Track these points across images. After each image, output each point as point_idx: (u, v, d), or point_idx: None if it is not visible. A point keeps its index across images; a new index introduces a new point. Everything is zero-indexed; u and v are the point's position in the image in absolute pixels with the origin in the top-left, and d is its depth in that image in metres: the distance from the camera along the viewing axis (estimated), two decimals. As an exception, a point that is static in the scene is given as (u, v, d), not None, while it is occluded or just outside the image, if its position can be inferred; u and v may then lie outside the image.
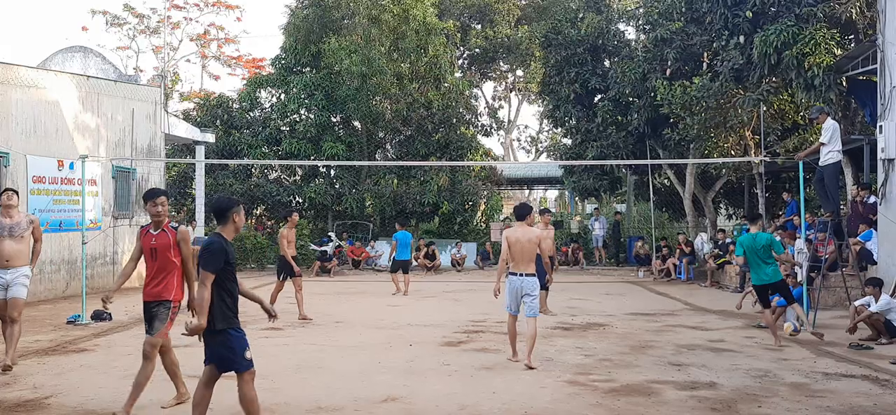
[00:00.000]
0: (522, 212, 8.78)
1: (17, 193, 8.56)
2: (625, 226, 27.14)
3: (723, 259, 18.56)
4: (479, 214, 28.66)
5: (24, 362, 8.45)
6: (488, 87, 40.48)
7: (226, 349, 5.34)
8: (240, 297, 5.63)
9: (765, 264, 9.83)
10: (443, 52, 26.67)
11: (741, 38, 17.85)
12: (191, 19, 39.87)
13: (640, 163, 22.43)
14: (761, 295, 10.09)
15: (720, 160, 19.19)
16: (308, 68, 27.50)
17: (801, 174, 12.52)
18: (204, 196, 23.29)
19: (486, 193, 27.70)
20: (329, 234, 24.74)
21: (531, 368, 8.09)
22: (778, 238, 12.36)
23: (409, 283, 16.28)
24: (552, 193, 45.78)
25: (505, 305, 8.67)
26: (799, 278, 11.89)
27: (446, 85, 26.94)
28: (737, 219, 25.09)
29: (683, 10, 19.59)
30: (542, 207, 15.70)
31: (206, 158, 23.25)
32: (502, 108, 40.61)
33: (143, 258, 6.57)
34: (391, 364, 8.40)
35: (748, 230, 10.43)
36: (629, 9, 24.67)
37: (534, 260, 8.44)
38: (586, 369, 8.20)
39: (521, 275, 8.37)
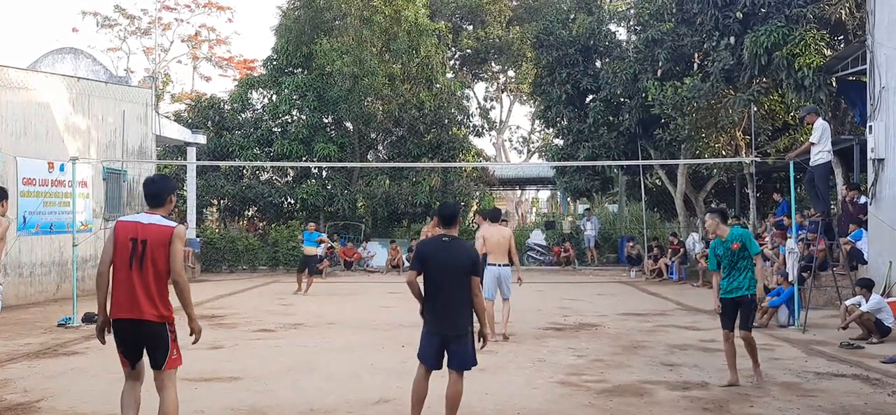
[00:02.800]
0: (495, 215, 10.79)
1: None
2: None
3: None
4: (470, 214, 28.68)
5: (14, 365, 8.41)
6: (480, 87, 40.52)
7: (472, 348, 5.71)
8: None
9: (736, 272, 7.45)
10: (434, 53, 26.65)
11: (732, 39, 17.92)
12: (182, 20, 39.79)
13: (632, 163, 22.49)
14: (729, 312, 7.53)
15: (711, 160, 19.25)
16: (300, 69, 27.46)
17: (792, 174, 12.58)
18: (195, 198, 23.21)
19: (478, 193, 27.72)
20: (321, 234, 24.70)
21: (507, 338, 9.95)
22: (765, 240, 12.19)
23: (312, 283, 16.95)
24: (544, 194, 45.85)
25: (484, 293, 9.81)
26: (790, 278, 11.94)
27: (438, 86, 26.93)
28: (728, 219, 25.17)
29: (674, 11, 19.66)
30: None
31: (197, 160, 23.17)
32: (494, 108, 40.65)
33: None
34: (384, 365, 8.39)
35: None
36: (620, 10, 24.73)
37: (506, 253, 10.13)
38: (578, 369, 8.21)
39: (499, 265, 10.09)
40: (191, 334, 5.14)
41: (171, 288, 4.98)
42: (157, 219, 5.01)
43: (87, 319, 11.65)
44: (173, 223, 5.03)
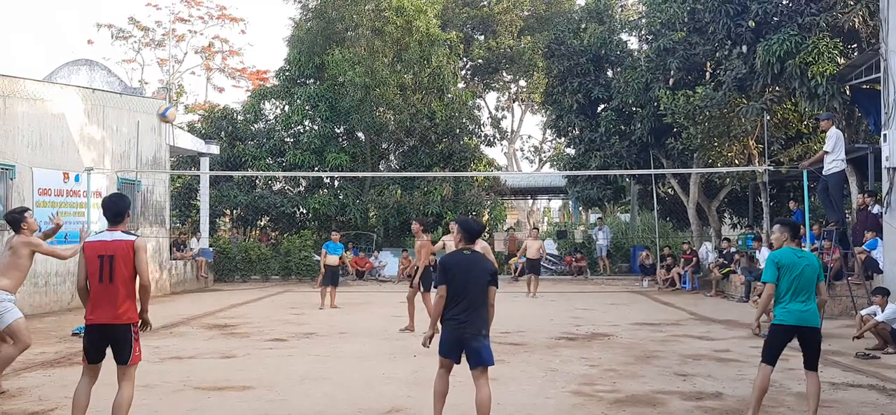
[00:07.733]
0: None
1: None
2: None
3: (727, 269, 18.52)
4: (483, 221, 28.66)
5: (29, 374, 8.47)
6: (491, 97, 40.59)
7: (489, 347, 6.06)
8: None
9: (807, 300, 6.33)
10: (446, 63, 26.75)
11: (744, 48, 17.85)
12: (195, 32, 40.08)
13: (644, 172, 22.42)
14: (782, 343, 6.42)
15: (724, 170, 19.16)
16: (312, 80, 27.62)
17: (806, 183, 12.50)
18: (208, 207, 23.35)
19: (489, 203, 27.71)
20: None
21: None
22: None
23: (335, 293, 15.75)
24: (556, 203, 45.74)
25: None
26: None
27: (449, 96, 27.03)
28: (741, 228, 25.06)
29: (686, 20, 19.62)
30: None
31: (210, 170, 23.31)
32: (505, 118, 40.72)
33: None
34: (395, 375, 8.39)
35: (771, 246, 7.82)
36: (632, 19, 24.73)
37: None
38: (591, 379, 8.18)
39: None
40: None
41: None
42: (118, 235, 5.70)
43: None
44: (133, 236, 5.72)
